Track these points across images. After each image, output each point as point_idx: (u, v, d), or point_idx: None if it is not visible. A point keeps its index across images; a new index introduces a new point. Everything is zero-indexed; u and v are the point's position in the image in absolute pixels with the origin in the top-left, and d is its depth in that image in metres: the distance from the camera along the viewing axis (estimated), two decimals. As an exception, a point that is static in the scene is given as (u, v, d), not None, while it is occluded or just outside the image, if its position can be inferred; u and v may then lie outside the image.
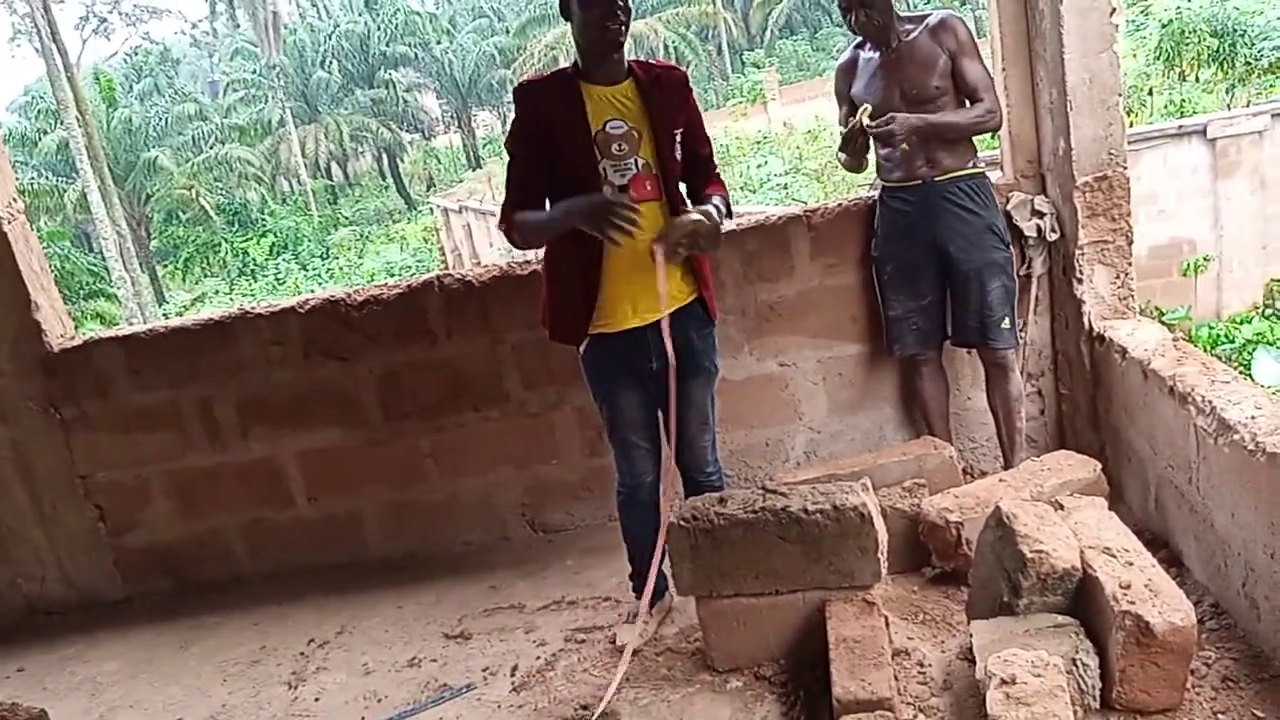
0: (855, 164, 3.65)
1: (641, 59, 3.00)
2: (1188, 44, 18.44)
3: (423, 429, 4.02)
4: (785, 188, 19.62)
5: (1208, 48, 18.21)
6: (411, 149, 46.74)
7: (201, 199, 32.33)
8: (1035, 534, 2.52)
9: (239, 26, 51.84)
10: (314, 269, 29.29)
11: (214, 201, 33.33)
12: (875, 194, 3.75)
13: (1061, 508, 2.76)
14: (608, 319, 2.94)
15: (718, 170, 3.13)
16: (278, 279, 28.58)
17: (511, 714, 2.94)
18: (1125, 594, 2.33)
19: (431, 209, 30.75)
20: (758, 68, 36.31)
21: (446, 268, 22.72)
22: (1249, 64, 17.78)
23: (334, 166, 47.19)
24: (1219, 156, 12.71)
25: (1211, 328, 12.00)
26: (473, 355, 3.94)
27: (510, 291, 3.83)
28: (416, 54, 44.28)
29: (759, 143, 25.16)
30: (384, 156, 46.31)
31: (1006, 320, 3.57)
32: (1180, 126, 13.14)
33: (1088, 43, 3.34)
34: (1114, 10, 3.34)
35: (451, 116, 50.01)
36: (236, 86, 43.34)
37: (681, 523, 2.80)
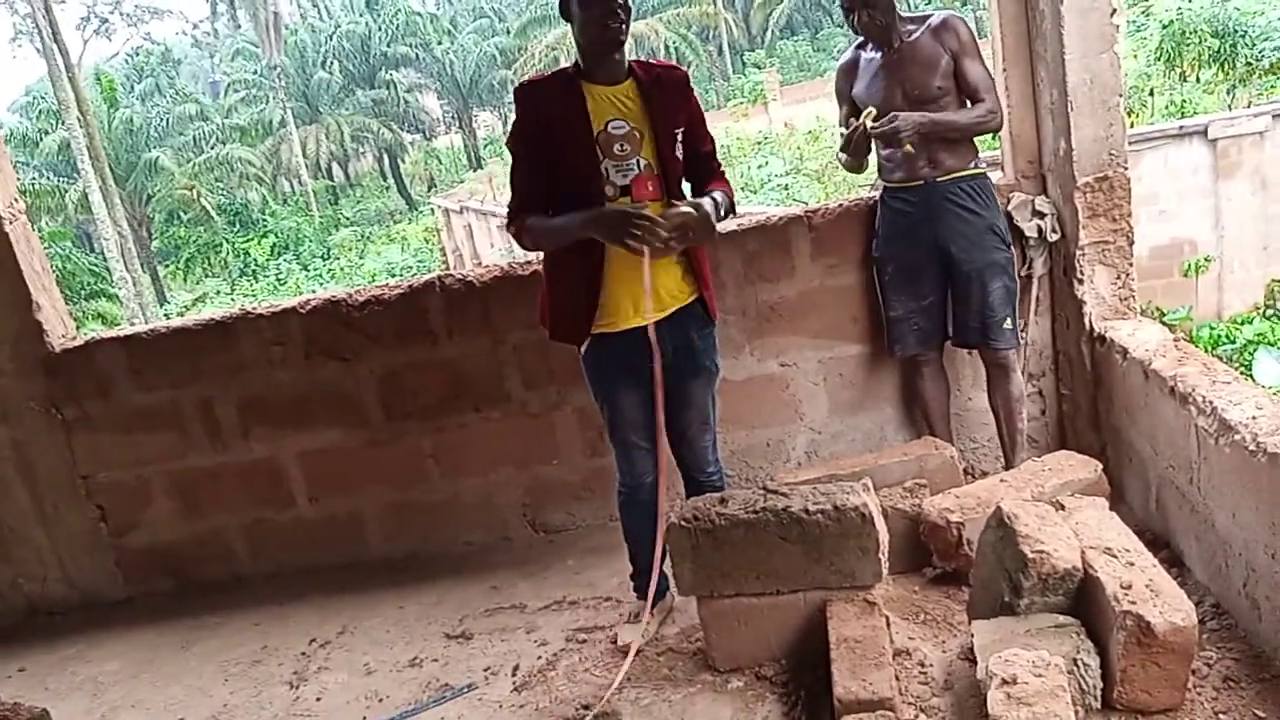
0: (856, 165, 3.66)
1: (642, 59, 3.00)
2: (1189, 44, 18.44)
3: (424, 429, 4.02)
4: (786, 188, 19.62)
5: (1209, 48, 18.21)
6: (412, 149, 46.76)
7: (203, 199, 32.36)
8: (1036, 534, 2.52)
9: (240, 27, 51.88)
10: (315, 269, 29.30)
11: (215, 202, 33.36)
12: (876, 194, 3.75)
13: (1062, 508, 2.76)
14: (609, 319, 2.94)
15: (721, 167, 3.13)
16: (279, 279, 28.60)
17: (513, 714, 2.94)
18: (1126, 594, 2.33)
19: (432, 209, 30.78)
20: (759, 68, 36.32)
21: (447, 268, 22.73)
22: (1250, 64, 17.78)
23: (335, 167, 47.21)
24: (1220, 157, 12.71)
25: (1212, 328, 12.00)
26: (474, 355, 3.94)
27: (511, 292, 3.84)
28: (417, 54, 44.31)
29: (760, 143, 25.14)
30: (385, 157, 46.34)
31: (1008, 321, 3.58)
32: (1181, 127, 13.13)
33: (1088, 43, 3.34)
34: (1115, 11, 3.34)
35: (452, 117, 50.02)
36: (238, 87, 43.38)
37: (683, 523, 2.80)
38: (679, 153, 2.92)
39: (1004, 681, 2.17)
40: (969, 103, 3.51)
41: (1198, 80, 19.27)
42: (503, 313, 3.87)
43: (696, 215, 2.76)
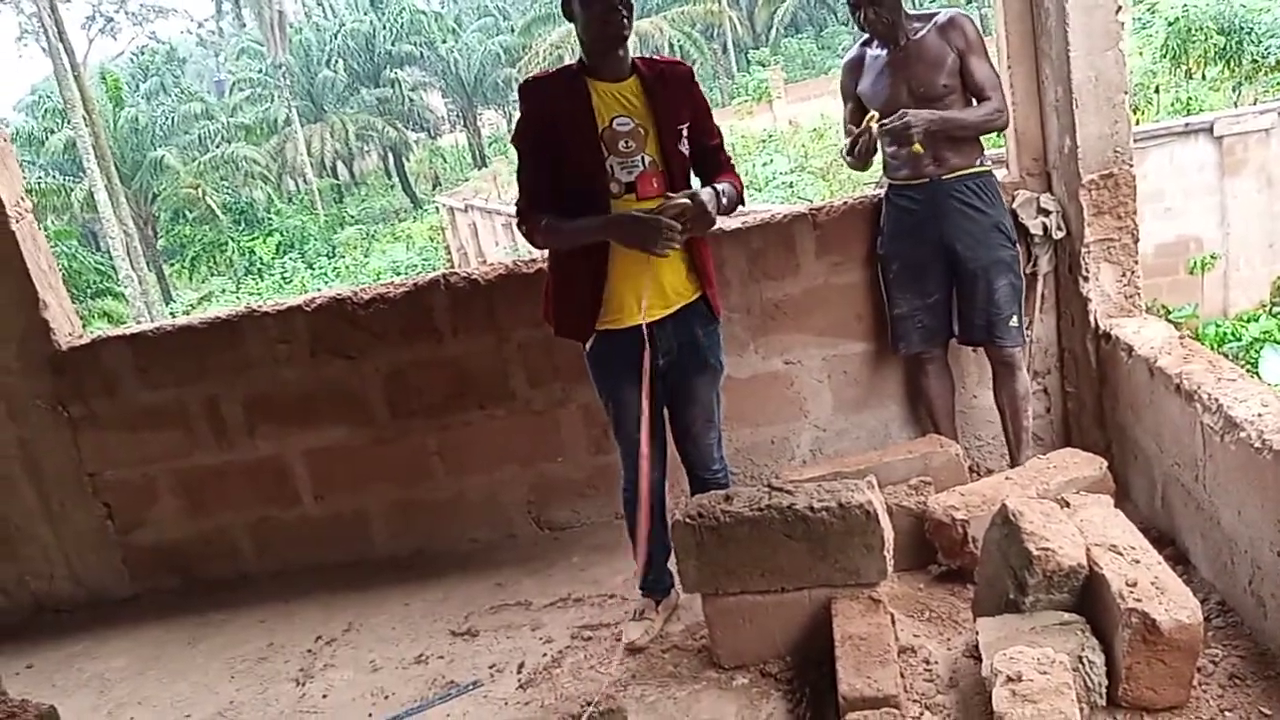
0: (861, 165, 3.65)
1: (646, 56, 3.00)
2: (1194, 42, 18.39)
3: (429, 427, 4.03)
4: (791, 186, 19.61)
5: (1214, 45, 18.16)
6: (417, 148, 46.78)
7: (208, 198, 32.39)
8: (1041, 532, 2.52)
9: (245, 26, 51.94)
10: (320, 268, 29.31)
11: (220, 200, 33.38)
12: (881, 192, 3.74)
13: (1068, 505, 2.76)
14: (614, 315, 2.94)
15: (730, 160, 3.12)
16: (284, 278, 28.62)
17: (518, 711, 2.95)
18: (1131, 591, 2.33)
19: (437, 208, 30.76)
20: (763, 66, 36.24)
21: (452, 266, 22.72)
22: (1256, 62, 17.73)
23: (340, 165, 47.24)
24: (1226, 154, 12.67)
25: (1218, 326, 11.96)
26: (479, 353, 3.94)
27: (516, 290, 3.84)
28: (422, 53, 44.33)
29: (764, 141, 25.13)
30: (390, 155, 46.36)
31: (1014, 318, 3.57)
32: (1187, 124, 13.09)
33: (1093, 40, 3.33)
34: (1119, 8, 3.34)
35: (457, 115, 50.03)
36: (243, 86, 43.43)
37: (687, 520, 2.81)
38: (684, 148, 2.92)
39: (1009, 679, 2.17)
40: (975, 101, 3.50)
41: (1203, 77, 19.22)
42: (507, 310, 3.88)
43: (692, 205, 2.76)
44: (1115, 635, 2.34)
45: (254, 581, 4.13)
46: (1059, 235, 3.66)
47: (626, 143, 2.83)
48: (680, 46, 36.52)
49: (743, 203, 3.07)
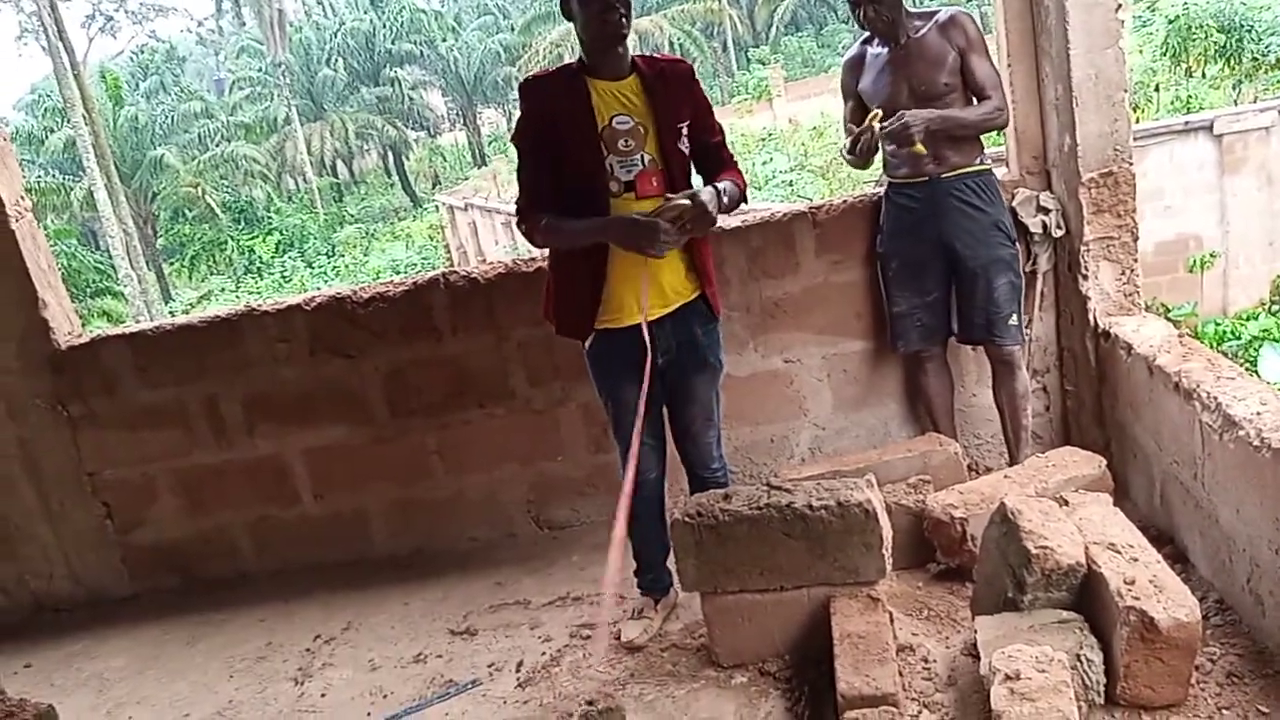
0: (861, 163, 3.64)
1: (646, 54, 3.00)
2: (1194, 40, 18.38)
3: (428, 426, 4.03)
4: (790, 184, 19.61)
5: (1214, 43, 18.15)
6: (417, 146, 46.77)
7: (207, 197, 32.38)
8: (1040, 530, 2.52)
9: (245, 24, 51.95)
10: (320, 266, 29.32)
11: (220, 199, 33.37)
12: (881, 190, 3.74)
13: (1066, 504, 2.76)
14: (613, 315, 2.94)
15: (733, 157, 3.11)
16: (284, 277, 28.62)
17: (517, 709, 2.95)
18: (1130, 590, 2.33)
19: (437, 206, 30.76)
20: (763, 64, 36.24)
21: (452, 265, 22.70)
22: (1256, 60, 17.73)
23: (339, 164, 47.23)
24: (1225, 153, 12.67)
25: (1218, 324, 11.96)
26: (478, 352, 3.94)
27: (516, 288, 3.84)
28: (422, 51, 44.32)
29: (764, 139, 25.12)
30: (389, 154, 46.35)
31: (1013, 317, 3.57)
32: (1187, 123, 13.09)
33: (1093, 38, 3.33)
34: (1119, 6, 3.34)
35: (457, 114, 50.02)
36: (242, 84, 43.42)
37: (686, 519, 2.81)
38: (683, 147, 2.92)
39: (1007, 677, 2.17)
40: (975, 99, 3.50)
41: (1203, 76, 19.21)
42: (507, 309, 3.88)
43: (692, 206, 2.76)
44: (1113, 633, 2.34)
45: (253, 581, 4.13)
46: (1058, 233, 3.66)
47: (626, 141, 2.83)
48: (680, 45, 36.51)
49: (745, 200, 3.07)
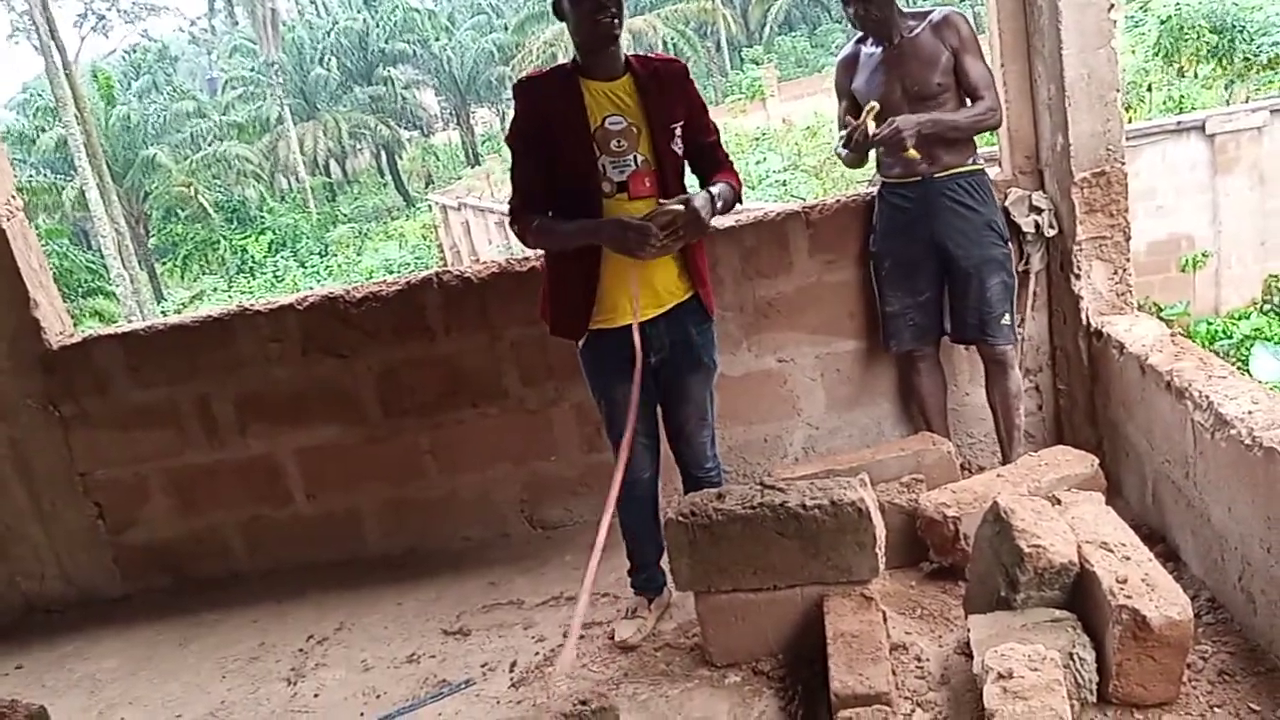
0: (857, 161, 3.64)
1: (640, 53, 3.00)
2: (1187, 40, 18.43)
3: (421, 426, 4.02)
4: (784, 184, 19.64)
5: (1207, 43, 18.20)
6: (410, 146, 46.71)
7: (200, 196, 32.31)
8: (1033, 529, 2.53)
9: (237, 24, 51.84)
10: (312, 266, 29.28)
11: (212, 199, 33.31)
12: (874, 190, 3.75)
13: (1059, 503, 2.77)
14: (607, 315, 2.94)
15: (728, 157, 3.11)
16: (276, 276, 28.58)
17: (510, 709, 2.95)
18: (1122, 588, 2.34)
19: (430, 206, 30.72)
20: (756, 64, 36.27)
21: (445, 265, 22.70)
22: (1248, 60, 17.78)
23: (332, 164, 47.17)
24: (1218, 152, 12.71)
25: (1210, 323, 12.01)
26: (471, 352, 3.94)
27: (509, 288, 3.84)
28: (415, 51, 44.27)
29: (758, 139, 25.16)
30: (382, 154, 46.29)
31: (1006, 316, 3.57)
32: (1179, 122, 13.12)
33: (1086, 38, 3.34)
34: (1112, 6, 3.35)
35: (450, 113, 49.97)
36: (235, 84, 43.34)
37: (680, 518, 2.81)
38: (677, 147, 2.92)
39: (1000, 676, 2.18)
40: (969, 100, 3.50)
41: (1195, 76, 19.25)
42: (500, 309, 3.87)
43: (685, 212, 2.76)
44: (1106, 632, 2.34)
45: (246, 581, 4.12)
46: (1051, 233, 3.66)
47: (618, 142, 2.83)
48: (674, 44, 36.52)
49: (741, 200, 3.07)
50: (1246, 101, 15.29)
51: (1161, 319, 4.62)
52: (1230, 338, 11.35)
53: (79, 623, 4.04)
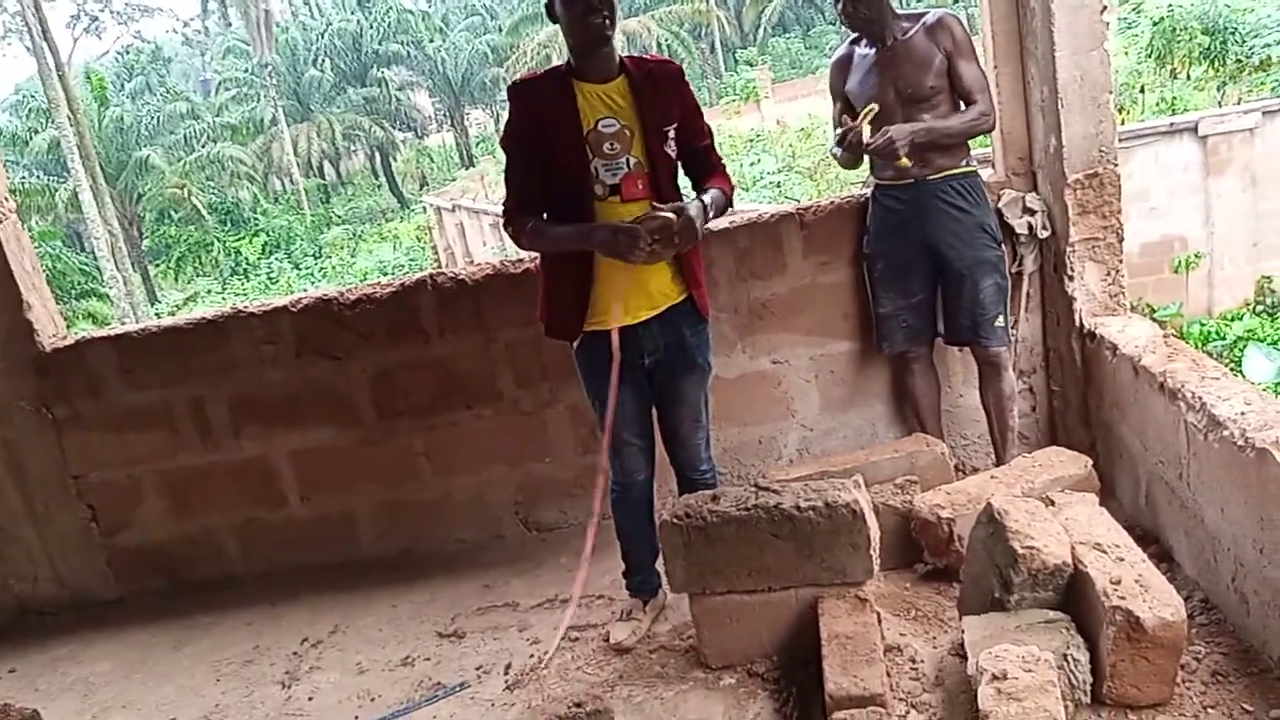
0: (853, 161, 3.64)
1: (636, 55, 3.00)
2: (1179, 41, 18.48)
3: (416, 428, 4.02)
4: (778, 185, 19.65)
5: (1199, 45, 18.26)
6: (404, 147, 46.65)
7: (193, 198, 32.24)
8: (1027, 530, 2.53)
9: (231, 25, 51.72)
10: (306, 268, 29.22)
11: (206, 200, 33.23)
12: (868, 191, 3.75)
13: (1053, 504, 2.77)
14: (600, 317, 2.94)
15: (721, 160, 3.11)
16: (270, 278, 28.52)
17: (505, 712, 2.95)
18: (1116, 589, 2.34)
19: (424, 208, 30.69)
20: (750, 65, 36.28)
21: (439, 266, 22.68)
22: (1240, 61, 17.84)
23: (326, 165, 47.09)
24: (1210, 154, 12.74)
25: (1203, 324, 12.04)
26: (466, 354, 3.94)
27: (503, 290, 3.83)
28: (409, 52, 44.21)
29: (752, 141, 25.19)
30: (377, 155, 46.23)
31: (999, 318, 3.58)
32: (1172, 124, 13.16)
33: (1079, 40, 3.34)
34: (1105, 8, 3.35)
35: (444, 115, 49.91)
36: (228, 85, 43.25)
37: (674, 520, 2.81)
38: (670, 149, 2.92)
39: (994, 677, 2.18)
40: (962, 103, 3.51)
41: (1188, 77, 19.33)
42: (495, 311, 3.87)
43: (678, 220, 2.74)
44: (1100, 633, 2.35)
45: (240, 583, 4.12)
46: (1044, 235, 3.67)
47: (611, 145, 2.83)
48: (668, 46, 36.53)
49: (731, 205, 3.07)
50: (1239, 103, 15.35)
51: (1154, 320, 4.62)
52: (1223, 339, 11.38)
53: (72, 625, 4.03)
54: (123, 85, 43.89)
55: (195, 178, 33.08)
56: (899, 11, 3.56)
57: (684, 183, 3.07)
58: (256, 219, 34.29)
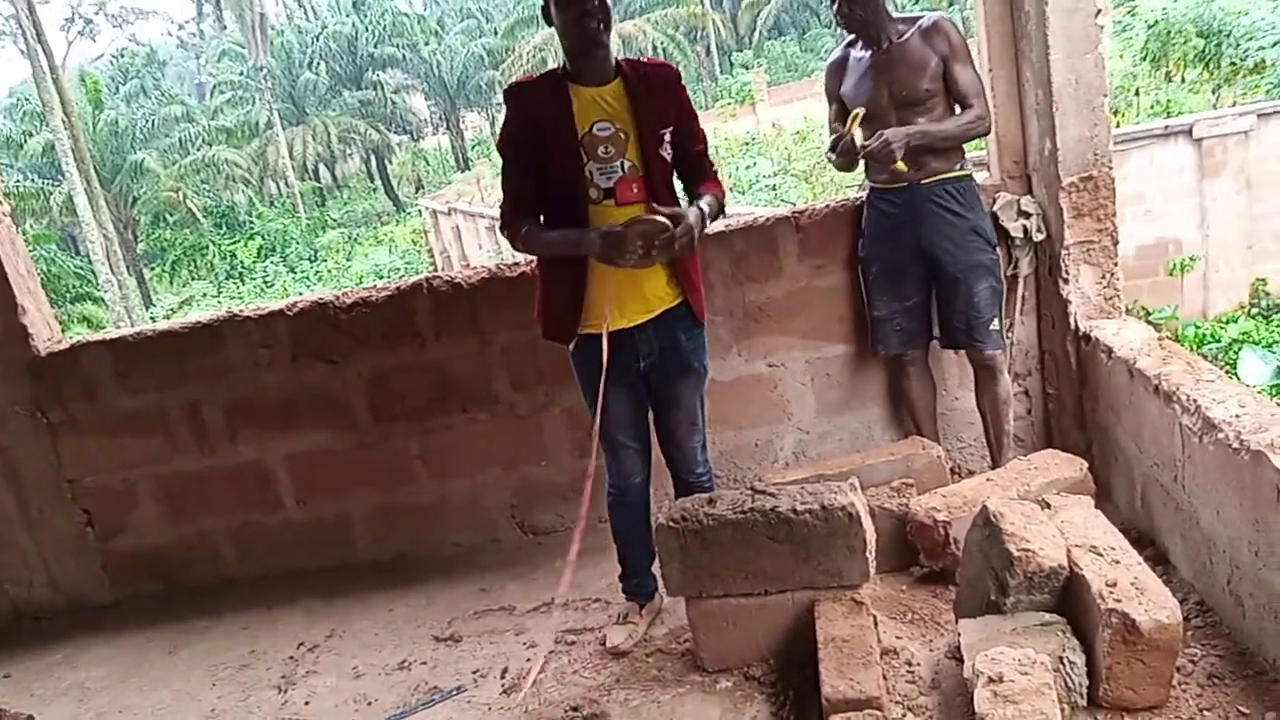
0: (847, 165, 3.64)
1: (633, 58, 3.00)
2: (1174, 44, 18.51)
3: (411, 431, 4.02)
4: (774, 189, 19.64)
5: (1194, 48, 18.29)
6: (400, 151, 46.65)
7: (189, 201, 32.21)
8: (1022, 533, 2.53)
9: (226, 28, 51.64)
10: (302, 271, 29.19)
11: (201, 204, 33.20)
12: (863, 195, 3.76)
13: (1048, 506, 2.78)
14: (596, 320, 2.94)
15: (714, 167, 3.12)
16: (266, 281, 28.48)
17: (501, 716, 2.94)
18: (1111, 592, 2.35)
19: (420, 211, 30.67)
20: (746, 69, 36.29)
21: (435, 270, 22.66)
22: (1235, 64, 17.86)
23: (322, 168, 47.04)
24: (1205, 157, 12.76)
25: (1198, 327, 12.06)
26: (461, 357, 3.94)
27: (499, 293, 3.83)
28: (404, 55, 44.17)
29: (747, 144, 25.17)
30: (372, 158, 46.21)
31: (994, 322, 3.58)
32: (1166, 127, 13.18)
33: (1073, 44, 3.35)
34: (1099, 11, 3.36)
35: (440, 118, 49.89)
36: (223, 88, 43.18)
37: (671, 524, 2.81)
38: (665, 153, 2.92)
39: (990, 680, 2.18)
40: (957, 107, 3.51)
41: (1183, 80, 19.36)
42: (490, 314, 3.87)
43: (678, 229, 2.73)
44: (1096, 635, 2.35)
45: (236, 587, 4.11)
46: (1039, 238, 3.68)
47: (606, 148, 2.83)
48: (663, 49, 36.53)
49: (724, 211, 3.07)
50: (1233, 106, 15.39)
51: (1149, 323, 4.64)
52: (1218, 341, 11.40)
53: (68, 630, 4.02)
54: (117, 88, 43.84)
55: (190, 181, 33.04)
56: (895, 15, 3.57)
57: (676, 187, 3.07)
58: (252, 222, 34.25)
